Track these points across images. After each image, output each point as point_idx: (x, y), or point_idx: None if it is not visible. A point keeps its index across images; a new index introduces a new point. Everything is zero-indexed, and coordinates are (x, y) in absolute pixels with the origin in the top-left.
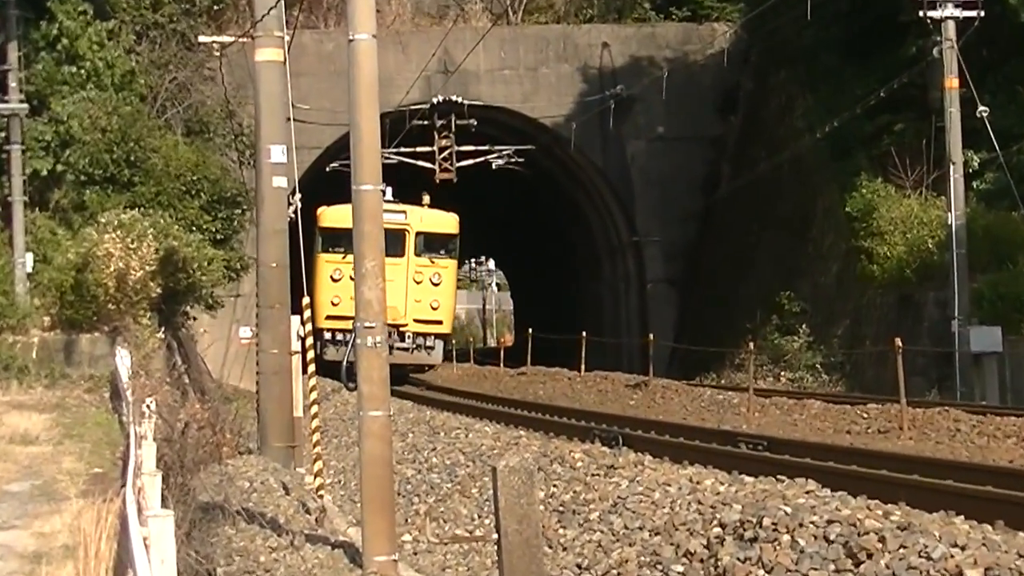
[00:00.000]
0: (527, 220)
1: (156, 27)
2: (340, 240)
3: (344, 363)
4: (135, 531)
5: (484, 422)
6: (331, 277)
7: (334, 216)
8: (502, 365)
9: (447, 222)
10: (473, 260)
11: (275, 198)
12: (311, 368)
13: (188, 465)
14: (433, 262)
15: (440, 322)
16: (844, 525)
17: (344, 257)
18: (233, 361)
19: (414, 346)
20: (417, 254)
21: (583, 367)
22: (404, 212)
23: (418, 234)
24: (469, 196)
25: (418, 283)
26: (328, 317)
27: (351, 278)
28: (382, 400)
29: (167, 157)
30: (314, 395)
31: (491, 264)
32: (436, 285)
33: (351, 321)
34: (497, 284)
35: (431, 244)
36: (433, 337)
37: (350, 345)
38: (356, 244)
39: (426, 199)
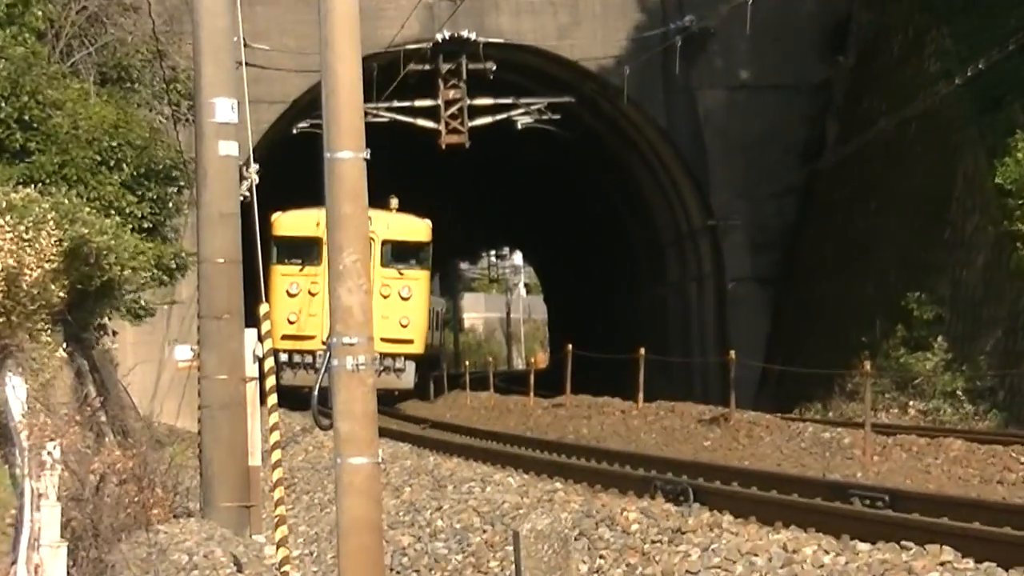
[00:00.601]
0: (565, 199)
1: None
2: (297, 250)
3: (314, 392)
4: None
5: (507, 471)
6: (287, 292)
7: (290, 223)
8: (532, 394)
9: (418, 229)
10: (493, 253)
11: (222, 170)
12: (272, 399)
13: (105, 533)
14: (402, 274)
15: (411, 341)
16: None
17: (301, 269)
18: (167, 391)
19: (381, 368)
20: (384, 265)
21: (641, 396)
22: (369, 218)
23: (384, 243)
24: (487, 166)
25: (385, 297)
26: (284, 337)
27: (310, 292)
28: (368, 442)
29: (75, 115)
30: (276, 436)
31: (517, 258)
32: (406, 300)
33: (309, 341)
34: (526, 285)
35: (400, 254)
36: (403, 359)
37: (322, 368)
38: (331, 233)
39: (394, 202)
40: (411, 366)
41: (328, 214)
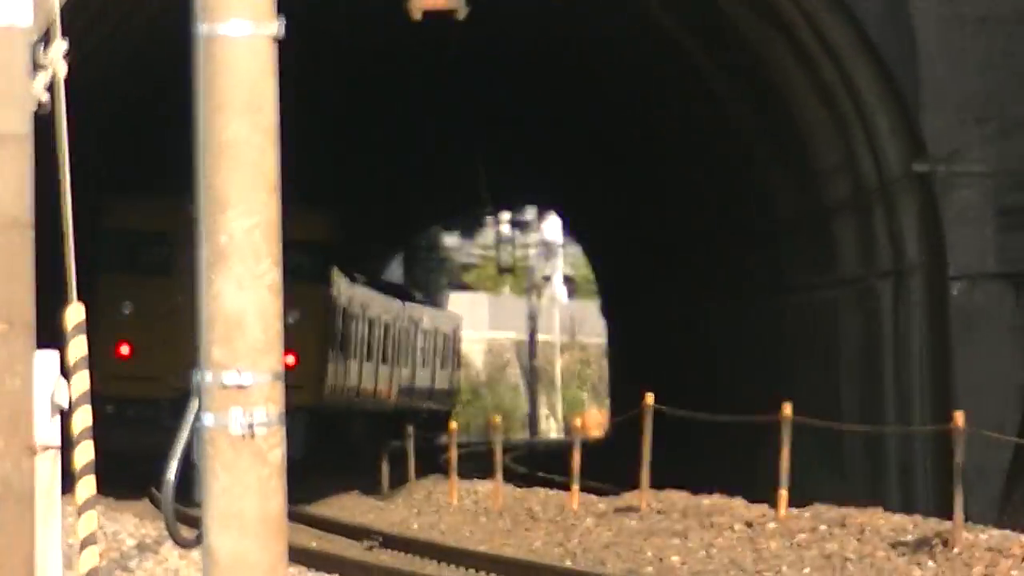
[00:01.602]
0: (644, 120)
1: None
2: (139, 250)
3: (168, 474)
4: None
5: None
6: (121, 310)
7: (130, 210)
8: (577, 486)
9: (312, 225)
10: (508, 218)
11: None
12: (87, 485)
13: None
14: (288, 289)
15: (300, 387)
16: None
17: (145, 279)
18: None
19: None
20: None
21: (785, 494)
22: None
23: None
24: (498, 57)
25: None
26: (114, 377)
27: (156, 312)
28: (268, 571)
29: None
30: (93, 556)
31: (552, 228)
32: (292, 326)
33: (153, 384)
34: (568, 280)
35: (286, 259)
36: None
37: (183, 429)
38: (205, 177)
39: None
40: (300, 423)
41: (201, 138)
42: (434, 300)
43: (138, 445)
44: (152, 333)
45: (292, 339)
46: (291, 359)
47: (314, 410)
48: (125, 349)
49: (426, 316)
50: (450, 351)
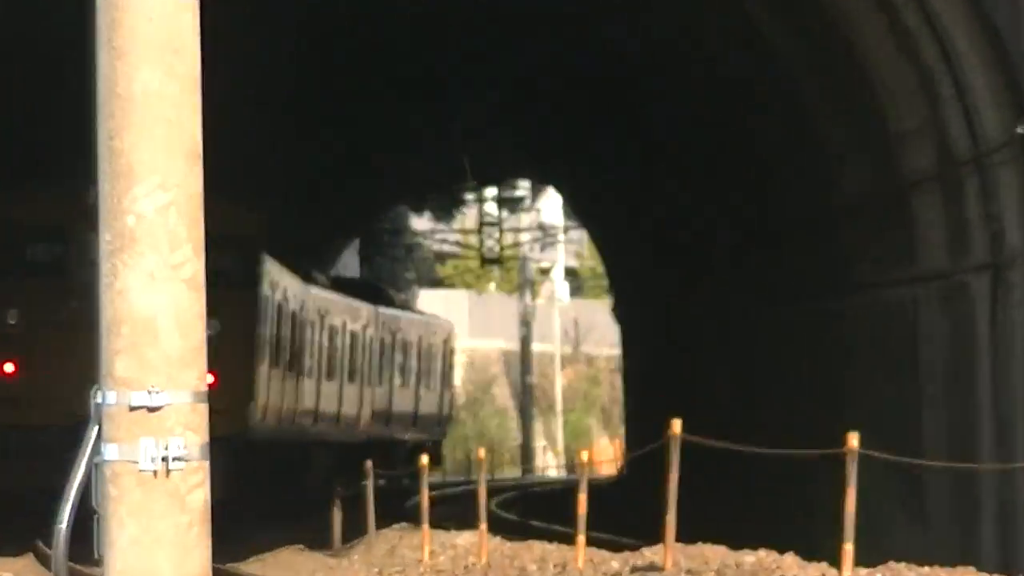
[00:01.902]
0: (666, 73)
1: None
2: (27, 245)
3: (60, 523)
4: None
5: None
6: (4, 319)
7: (19, 202)
8: (583, 536)
9: (235, 215)
10: (494, 194)
11: None
12: None
13: None
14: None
15: (223, 411)
16: None
17: (34, 280)
18: None
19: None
20: None
21: (850, 549)
22: None
23: None
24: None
25: None
26: None
27: (48, 324)
28: None
29: None
30: None
31: (550, 209)
32: (214, 337)
33: (42, 411)
34: (570, 273)
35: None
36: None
37: (80, 465)
38: (109, 140)
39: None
40: (226, 456)
41: (101, 92)
42: (416, 304)
43: (22, 484)
44: (42, 346)
45: (212, 354)
46: (210, 378)
47: (240, 440)
48: (9, 367)
49: (407, 324)
50: (438, 367)
